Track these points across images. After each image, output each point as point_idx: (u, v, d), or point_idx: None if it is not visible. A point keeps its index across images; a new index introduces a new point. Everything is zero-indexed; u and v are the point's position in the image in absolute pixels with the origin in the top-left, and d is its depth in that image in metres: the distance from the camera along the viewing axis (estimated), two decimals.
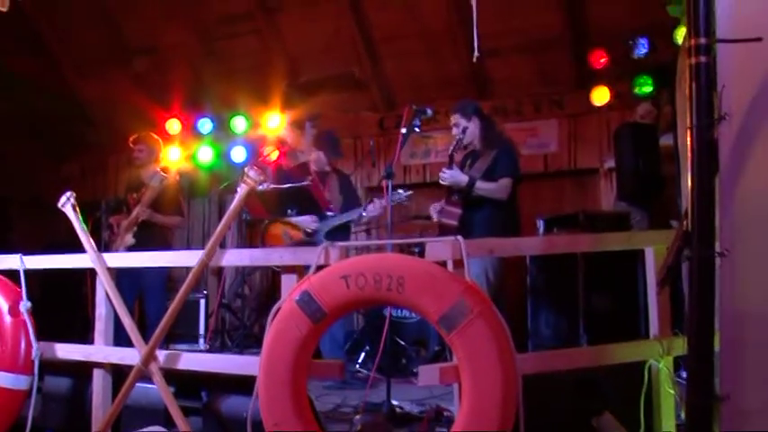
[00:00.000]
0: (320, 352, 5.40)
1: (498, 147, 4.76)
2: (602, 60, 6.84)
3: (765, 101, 2.16)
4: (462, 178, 4.63)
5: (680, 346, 2.86)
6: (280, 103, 8.29)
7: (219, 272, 8.36)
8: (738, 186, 2.21)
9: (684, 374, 2.66)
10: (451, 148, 4.82)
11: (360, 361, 6.01)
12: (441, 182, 4.75)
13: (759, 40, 2.11)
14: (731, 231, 2.21)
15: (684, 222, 2.25)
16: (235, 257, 3.50)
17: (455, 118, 4.92)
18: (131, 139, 6.15)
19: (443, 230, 4.65)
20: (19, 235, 8.82)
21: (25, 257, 3.68)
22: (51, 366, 3.69)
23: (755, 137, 2.19)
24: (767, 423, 2.17)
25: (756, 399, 2.19)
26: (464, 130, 4.80)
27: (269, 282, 8.59)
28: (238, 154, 8.39)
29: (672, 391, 2.93)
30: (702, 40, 2.12)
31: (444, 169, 4.72)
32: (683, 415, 2.60)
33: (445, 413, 3.90)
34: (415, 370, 4.94)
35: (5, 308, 3.49)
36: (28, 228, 8.88)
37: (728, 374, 2.21)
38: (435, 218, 4.86)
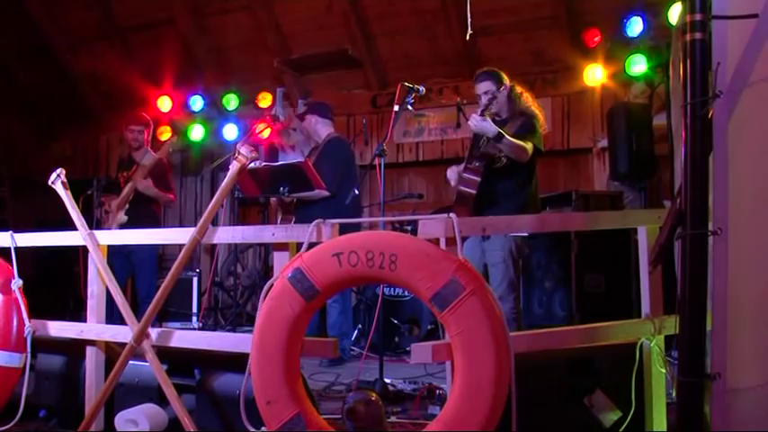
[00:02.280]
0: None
1: (525, 115, 4.57)
2: (596, 39, 6.80)
3: (760, 78, 2.15)
4: (492, 128, 4.30)
5: (672, 325, 2.87)
6: (272, 81, 8.25)
7: (212, 250, 8.37)
8: (732, 165, 2.21)
9: (676, 353, 2.67)
10: (481, 109, 4.47)
11: (353, 339, 6.03)
12: (470, 126, 4.44)
13: (755, 16, 2.10)
14: (725, 210, 2.21)
15: (678, 201, 2.25)
16: (227, 235, 3.49)
17: (485, 86, 4.63)
18: (126, 119, 6.11)
19: (461, 199, 4.50)
20: (11, 214, 8.79)
21: (16, 235, 3.65)
22: (44, 344, 3.68)
23: (750, 115, 2.19)
24: (757, 401, 2.19)
25: (747, 377, 2.21)
26: (494, 96, 4.55)
27: (262, 259, 8.59)
28: (230, 131, 8.34)
29: (663, 370, 2.95)
30: (698, 17, 2.11)
31: (474, 115, 4.38)
32: (674, 393, 2.61)
33: (438, 391, 3.92)
34: (407, 348, 4.96)
35: None
36: (20, 207, 8.84)
37: (720, 353, 2.23)
38: (453, 183, 4.68)
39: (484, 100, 4.58)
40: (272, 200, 5.62)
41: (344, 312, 5.44)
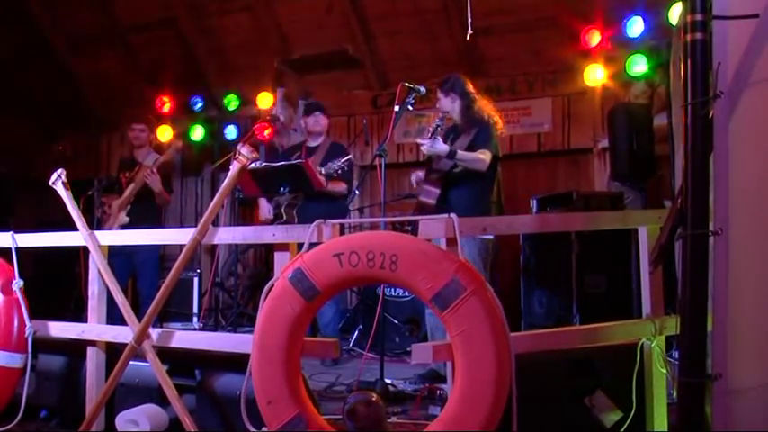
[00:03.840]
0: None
1: (480, 124, 4.62)
2: (597, 39, 6.81)
3: (761, 79, 2.15)
4: (443, 147, 4.43)
5: (672, 325, 2.88)
6: (272, 81, 8.25)
7: (213, 250, 8.37)
8: (733, 165, 2.21)
9: (677, 354, 2.67)
10: (430, 133, 4.55)
11: (353, 339, 6.03)
12: (422, 151, 4.56)
13: (756, 16, 2.10)
14: (725, 210, 2.21)
15: (678, 201, 2.25)
16: (227, 235, 3.49)
17: (439, 99, 4.79)
18: (129, 118, 6.12)
19: (421, 209, 4.54)
20: (12, 215, 8.78)
21: (17, 235, 3.66)
22: (45, 345, 3.68)
23: (751, 115, 2.19)
24: (759, 402, 2.19)
25: (748, 378, 2.20)
26: (444, 117, 4.68)
27: (262, 260, 8.59)
28: (231, 132, 8.35)
29: (664, 370, 2.95)
30: (699, 17, 2.11)
31: (421, 140, 4.54)
32: (674, 394, 2.61)
33: (438, 391, 3.92)
34: (408, 348, 4.96)
35: None
36: (21, 208, 8.84)
37: (720, 353, 2.22)
38: (414, 185, 4.76)
39: (441, 113, 4.72)
40: (268, 209, 5.67)
41: (339, 313, 5.50)
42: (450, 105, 4.71)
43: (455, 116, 4.75)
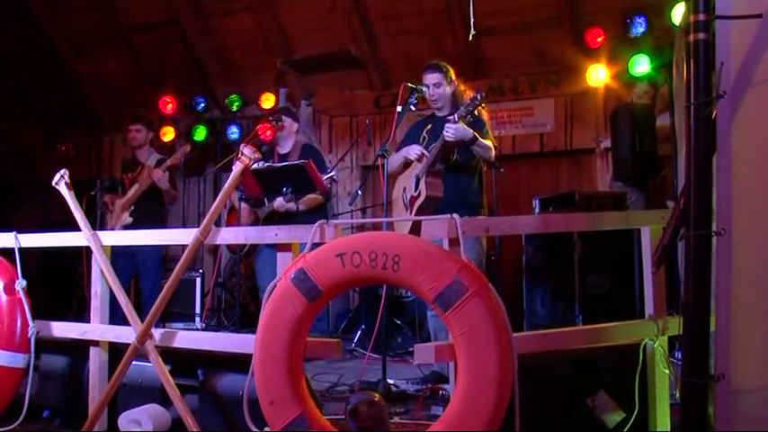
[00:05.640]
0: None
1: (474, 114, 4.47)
2: (599, 39, 6.79)
3: (764, 79, 2.15)
4: (468, 132, 4.24)
5: (675, 325, 2.88)
6: (275, 81, 8.26)
7: (215, 250, 8.37)
8: (736, 166, 2.21)
9: (679, 354, 2.67)
10: (458, 115, 4.22)
11: (356, 340, 6.03)
12: (446, 137, 4.24)
13: (759, 16, 2.09)
14: (728, 210, 2.20)
15: (681, 201, 2.25)
16: (230, 235, 3.49)
17: (435, 77, 4.57)
18: (128, 119, 6.12)
19: (429, 203, 4.35)
20: (15, 215, 8.80)
21: (20, 235, 3.66)
22: (48, 345, 3.69)
23: (754, 116, 2.18)
24: (762, 403, 2.18)
25: (751, 378, 2.20)
26: (476, 101, 4.28)
27: None
28: (233, 132, 8.35)
29: (667, 371, 2.95)
30: (702, 17, 2.11)
31: (450, 123, 4.23)
32: (677, 394, 2.61)
33: (441, 391, 3.91)
34: (410, 349, 4.95)
35: (0, 286, 3.48)
36: (25, 207, 8.86)
37: (724, 354, 2.22)
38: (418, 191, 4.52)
39: (431, 90, 4.56)
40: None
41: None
42: (447, 91, 4.58)
43: (445, 104, 4.61)
